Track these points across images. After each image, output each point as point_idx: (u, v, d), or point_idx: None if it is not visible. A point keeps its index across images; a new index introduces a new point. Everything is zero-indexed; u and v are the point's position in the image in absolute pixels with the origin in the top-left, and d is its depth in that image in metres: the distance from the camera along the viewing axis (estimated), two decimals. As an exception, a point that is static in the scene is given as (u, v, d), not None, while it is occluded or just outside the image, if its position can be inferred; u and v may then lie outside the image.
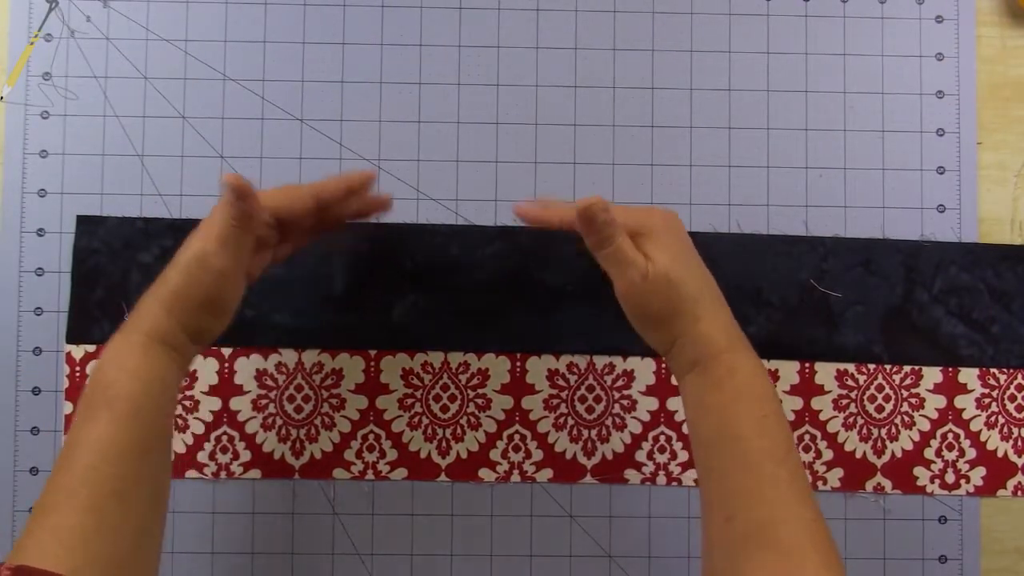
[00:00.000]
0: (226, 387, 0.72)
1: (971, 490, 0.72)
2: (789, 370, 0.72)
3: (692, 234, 0.71)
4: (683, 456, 0.72)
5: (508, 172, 0.73)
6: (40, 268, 0.71)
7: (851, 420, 0.72)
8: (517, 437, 0.72)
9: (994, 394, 0.73)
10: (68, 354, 0.71)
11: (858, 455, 0.72)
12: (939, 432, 0.73)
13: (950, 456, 0.72)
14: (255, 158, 0.73)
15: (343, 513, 0.71)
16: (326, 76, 0.73)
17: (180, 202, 0.72)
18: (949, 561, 0.72)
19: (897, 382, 0.73)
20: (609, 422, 0.72)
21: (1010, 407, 0.73)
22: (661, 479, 0.72)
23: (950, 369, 0.73)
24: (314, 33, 0.74)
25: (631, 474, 0.72)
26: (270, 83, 0.73)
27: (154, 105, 0.73)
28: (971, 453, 0.73)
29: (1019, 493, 0.73)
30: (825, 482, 0.72)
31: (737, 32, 0.74)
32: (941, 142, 0.74)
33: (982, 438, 0.73)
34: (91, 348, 0.71)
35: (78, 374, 0.71)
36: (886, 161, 0.74)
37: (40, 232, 0.72)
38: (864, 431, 0.72)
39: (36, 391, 0.71)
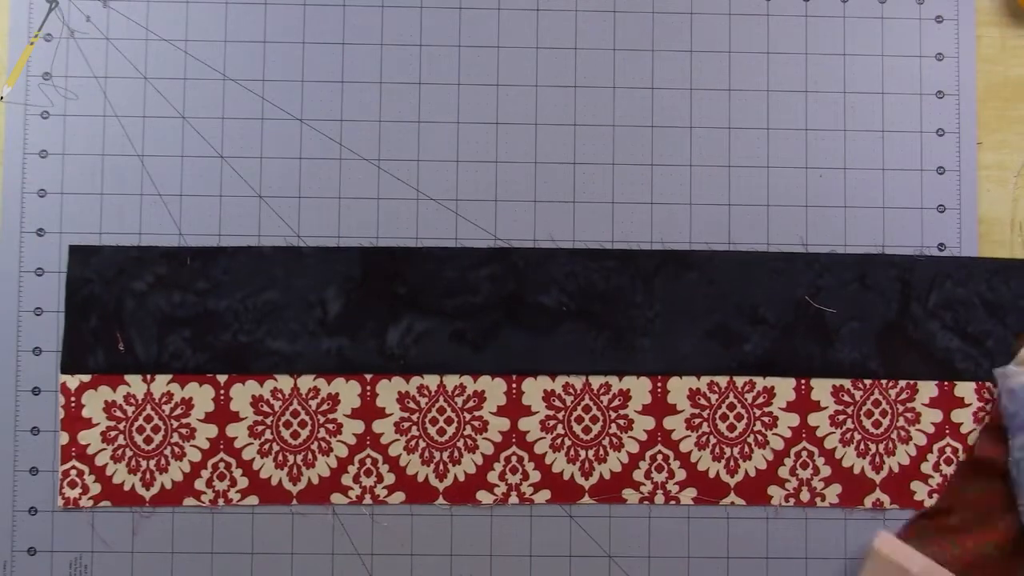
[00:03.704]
0: (222, 414, 0.71)
1: None
2: (785, 387, 0.72)
3: (689, 252, 0.72)
4: (680, 475, 0.72)
5: (508, 172, 0.73)
6: (40, 268, 0.71)
7: (848, 436, 0.72)
8: (514, 459, 0.72)
9: (990, 407, 0.72)
10: (63, 384, 0.71)
11: (856, 471, 0.72)
12: (936, 446, 0.72)
13: (948, 470, 0.72)
14: (255, 158, 0.73)
15: (343, 513, 0.72)
16: (326, 76, 0.73)
17: (180, 202, 0.72)
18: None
19: (893, 397, 0.72)
20: (606, 442, 0.72)
21: None
22: (659, 498, 0.72)
23: (946, 383, 0.72)
24: (314, 33, 0.74)
25: (629, 494, 0.72)
26: (270, 83, 0.73)
27: (154, 105, 0.73)
28: None
29: None
30: (823, 498, 0.72)
31: (737, 32, 0.74)
32: (941, 142, 0.74)
33: None
34: (86, 378, 0.71)
35: (73, 405, 0.71)
36: (886, 161, 0.74)
37: (40, 232, 0.72)
38: (862, 446, 0.72)
39: (36, 391, 0.71)
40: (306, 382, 0.72)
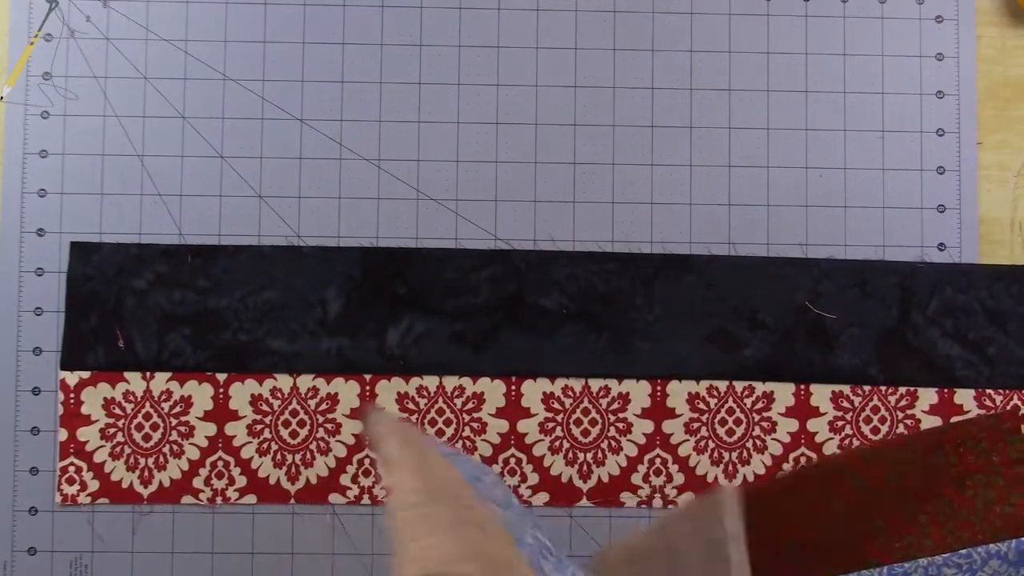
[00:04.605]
0: (221, 412, 0.71)
1: None
2: (785, 392, 0.72)
3: (689, 256, 0.72)
4: (679, 479, 0.72)
5: (508, 172, 0.73)
6: (40, 268, 0.71)
7: (847, 442, 0.72)
8: (513, 461, 0.72)
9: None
10: (63, 381, 0.71)
11: None
12: None
13: None
14: (255, 158, 0.73)
15: (343, 513, 0.72)
16: (326, 76, 0.73)
17: (180, 202, 0.72)
18: (948, 560, 0.72)
19: (893, 404, 0.72)
20: (605, 445, 0.72)
21: None
22: (657, 502, 0.72)
23: (946, 390, 0.72)
24: (314, 33, 0.74)
25: (627, 497, 0.72)
26: (270, 83, 0.73)
27: (154, 105, 0.73)
28: None
29: None
30: None
31: (737, 32, 0.74)
32: (941, 142, 0.74)
33: None
34: (85, 375, 0.71)
35: (72, 402, 0.71)
36: (886, 161, 0.74)
37: (40, 232, 0.72)
38: None
39: (36, 391, 0.71)
40: (305, 382, 0.72)
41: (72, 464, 0.71)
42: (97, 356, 0.71)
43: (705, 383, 0.72)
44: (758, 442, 0.72)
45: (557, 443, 0.72)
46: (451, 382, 0.72)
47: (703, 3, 0.74)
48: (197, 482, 0.71)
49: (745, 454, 0.72)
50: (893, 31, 0.74)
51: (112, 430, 0.71)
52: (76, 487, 0.71)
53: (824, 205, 0.73)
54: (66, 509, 0.71)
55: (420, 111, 0.73)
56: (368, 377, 0.72)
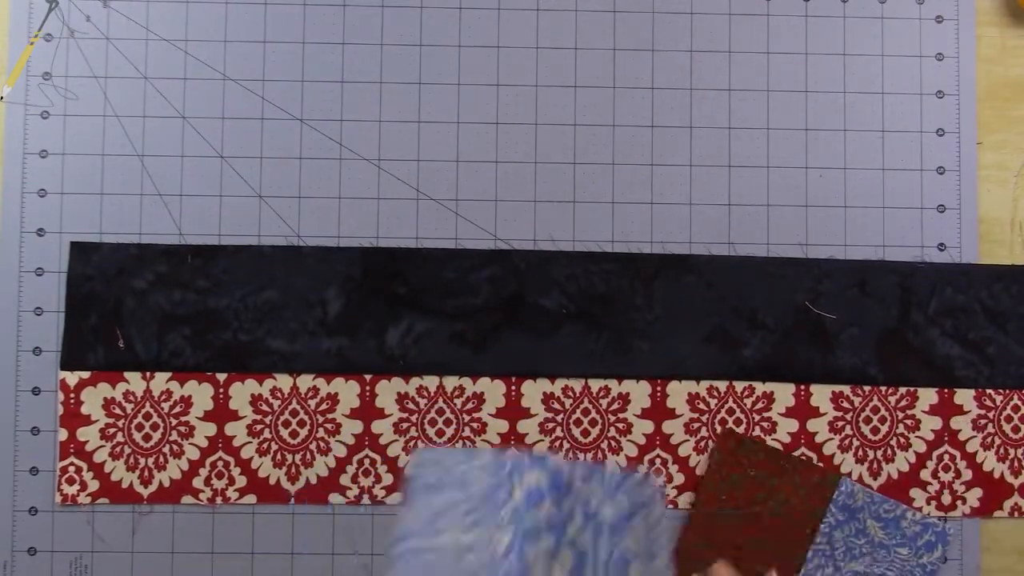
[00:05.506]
0: (221, 412, 0.71)
1: (967, 511, 0.72)
2: (785, 392, 0.72)
3: (688, 256, 0.72)
4: (679, 479, 0.72)
5: (508, 172, 0.73)
6: (40, 268, 0.72)
7: (847, 442, 0.72)
8: None
9: (990, 415, 0.72)
10: (63, 381, 0.71)
11: (854, 477, 0.72)
12: (935, 453, 0.72)
13: (946, 477, 0.72)
14: (255, 158, 0.73)
15: (342, 513, 0.72)
16: (326, 76, 0.73)
17: (180, 202, 0.72)
18: (949, 561, 0.72)
19: (892, 403, 0.72)
20: (605, 445, 0.72)
21: (1006, 428, 0.72)
22: None
23: (946, 390, 0.72)
24: (314, 33, 0.74)
25: None
26: (270, 83, 0.73)
27: (154, 105, 0.73)
28: (967, 474, 0.72)
29: (1015, 514, 0.72)
30: None
31: (737, 32, 0.74)
32: (941, 142, 0.74)
33: (978, 459, 0.72)
34: (85, 375, 0.71)
35: (72, 402, 0.71)
36: (886, 161, 0.74)
37: (40, 232, 0.72)
38: (860, 452, 0.72)
39: (36, 391, 0.71)
40: (305, 381, 0.72)
41: (72, 464, 0.71)
42: (97, 356, 0.71)
43: (705, 383, 0.72)
44: (758, 442, 0.72)
45: (557, 443, 0.72)
46: (451, 382, 0.72)
47: (703, 3, 0.74)
48: (197, 482, 0.71)
49: (745, 454, 0.72)
50: (893, 31, 0.75)
51: (112, 430, 0.71)
52: (76, 487, 0.71)
53: (824, 205, 0.73)
54: (66, 509, 0.71)
55: (420, 111, 0.73)
56: (368, 377, 0.72)
